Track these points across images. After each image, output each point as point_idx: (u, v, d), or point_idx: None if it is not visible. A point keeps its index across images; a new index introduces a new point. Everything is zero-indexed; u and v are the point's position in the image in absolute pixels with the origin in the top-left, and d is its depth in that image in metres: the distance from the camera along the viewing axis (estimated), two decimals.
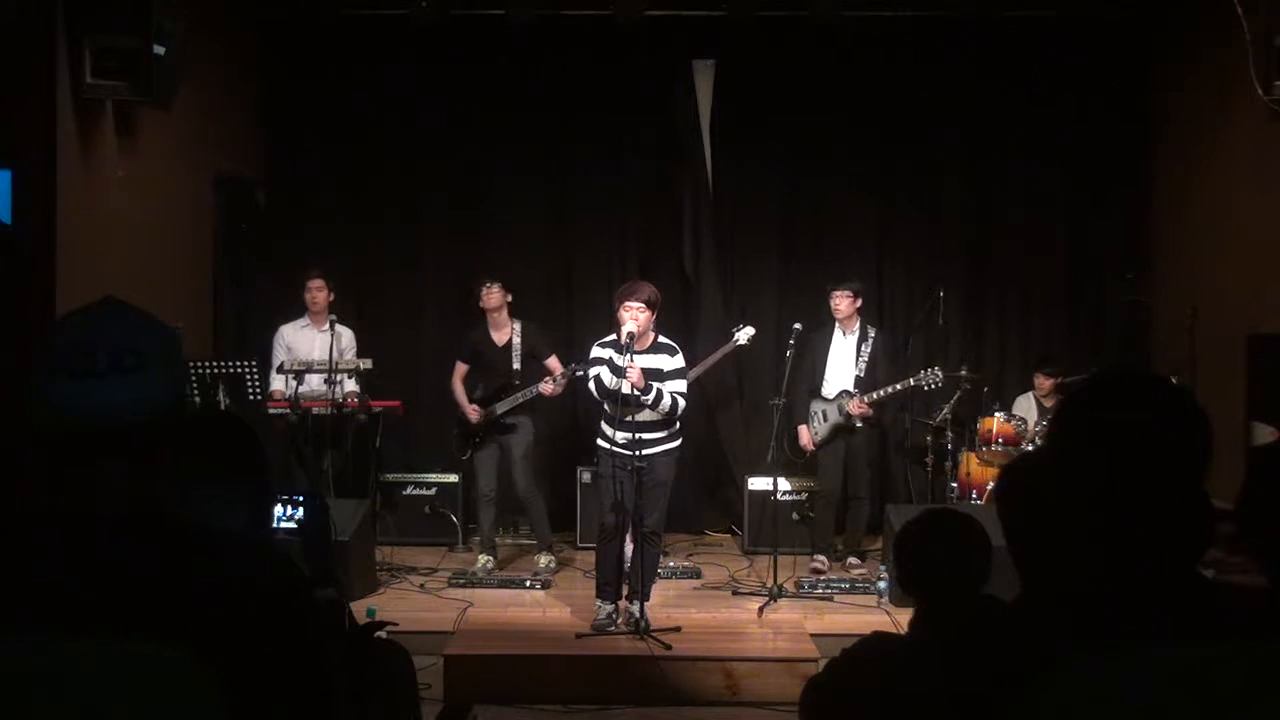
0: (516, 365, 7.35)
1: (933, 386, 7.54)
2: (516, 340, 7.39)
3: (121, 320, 1.56)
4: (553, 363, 7.25)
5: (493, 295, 7.35)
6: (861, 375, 7.43)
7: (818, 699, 2.75)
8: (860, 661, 2.61)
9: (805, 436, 7.53)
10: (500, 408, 7.34)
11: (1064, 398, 1.82)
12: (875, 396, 7.38)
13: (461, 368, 7.54)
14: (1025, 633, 1.68)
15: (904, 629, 2.91)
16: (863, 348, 7.48)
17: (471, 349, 7.51)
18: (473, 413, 7.39)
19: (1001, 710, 1.59)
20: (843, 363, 7.50)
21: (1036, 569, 2.21)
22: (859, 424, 7.43)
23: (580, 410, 8.32)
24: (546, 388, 7.13)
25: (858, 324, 7.53)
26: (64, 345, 1.50)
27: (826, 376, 7.51)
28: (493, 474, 7.42)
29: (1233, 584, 1.72)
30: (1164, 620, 1.61)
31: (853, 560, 7.52)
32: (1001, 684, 1.60)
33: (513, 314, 7.47)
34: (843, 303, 7.42)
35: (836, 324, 7.52)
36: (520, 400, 7.31)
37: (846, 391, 7.42)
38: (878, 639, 2.74)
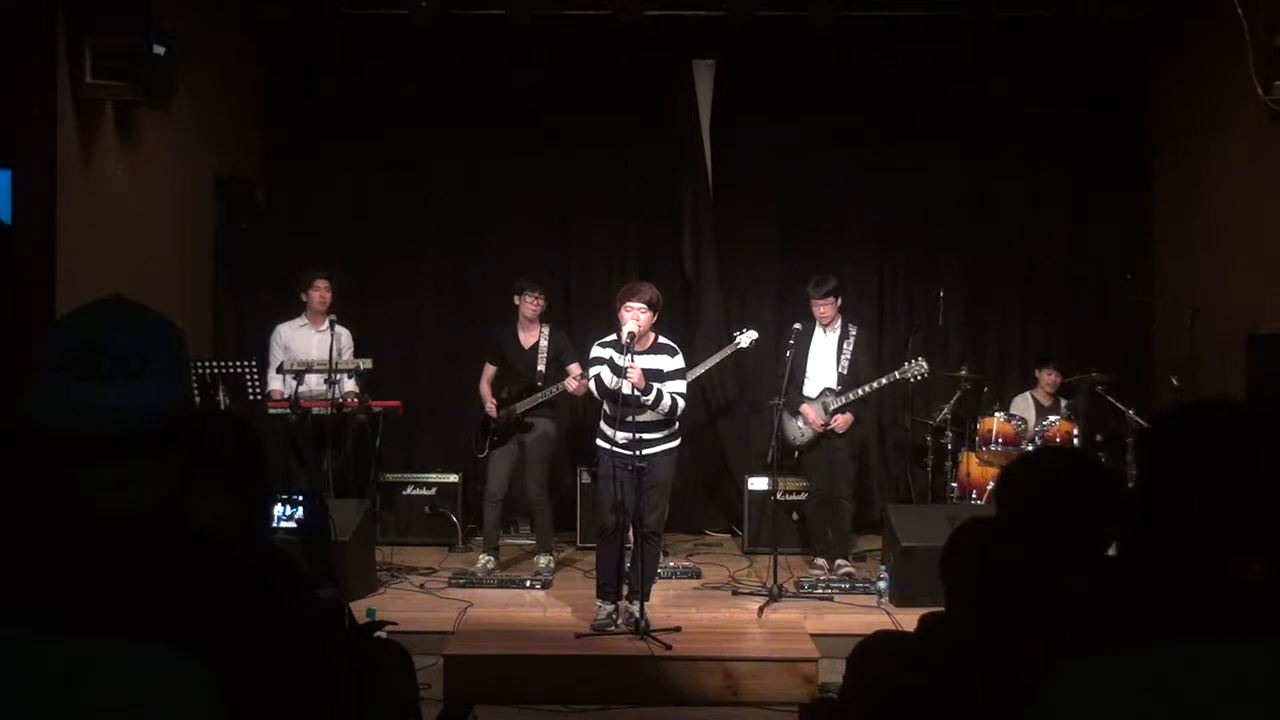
0: (541, 367, 7.37)
1: (917, 378, 7.49)
2: (544, 343, 7.40)
3: (128, 321, 1.54)
4: (574, 369, 7.24)
5: (532, 303, 7.34)
6: (844, 373, 7.36)
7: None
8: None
9: (813, 415, 7.35)
10: (520, 406, 7.36)
11: (1154, 423, 1.86)
12: (859, 393, 7.32)
13: (489, 369, 7.56)
14: (1029, 628, 1.69)
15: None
16: (844, 345, 7.40)
17: (498, 350, 7.53)
18: (491, 408, 7.41)
19: (1013, 705, 1.60)
20: (824, 360, 7.42)
21: (1036, 566, 2.22)
22: (839, 430, 7.37)
23: (580, 411, 8.32)
24: (573, 383, 7.13)
25: (839, 322, 7.44)
26: (68, 345, 1.49)
27: (808, 374, 7.44)
28: (505, 476, 7.43)
29: (1235, 583, 1.72)
30: (1166, 617, 1.62)
31: (840, 562, 7.40)
32: (1010, 676, 1.60)
33: (543, 319, 7.48)
34: (825, 310, 7.32)
35: (816, 321, 7.45)
36: (540, 399, 7.33)
37: (830, 389, 7.36)
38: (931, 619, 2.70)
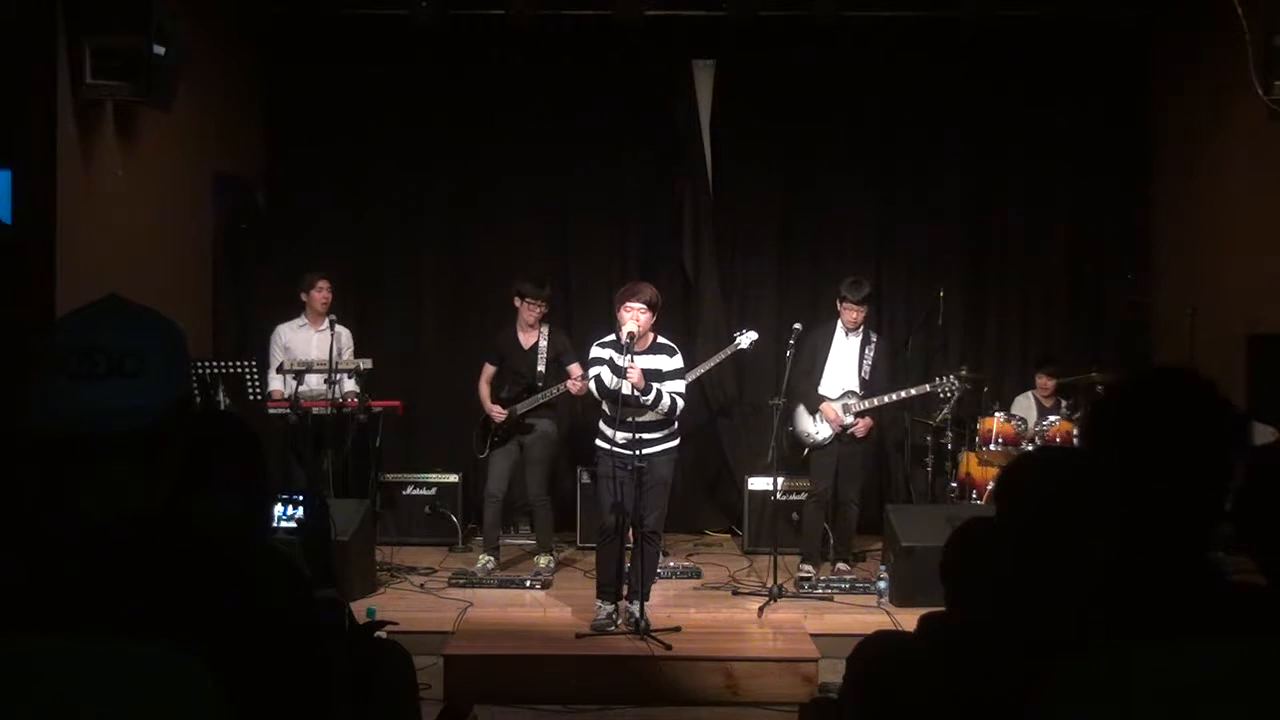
0: (541, 368, 7.35)
1: (948, 395, 7.49)
2: (543, 344, 7.38)
3: (124, 320, 1.54)
4: (574, 369, 7.24)
5: (531, 309, 7.31)
6: (866, 379, 7.32)
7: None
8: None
9: (833, 414, 7.26)
10: (521, 408, 7.35)
11: (1100, 396, 1.84)
12: (886, 400, 7.29)
13: (489, 369, 7.54)
14: (1029, 628, 1.69)
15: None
16: (866, 350, 7.34)
17: (498, 351, 7.52)
18: (497, 413, 7.40)
19: (1014, 705, 1.60)
20: (845, 363, 7.38)
21: (1040, 563, 2.22)
22: (859, 435, 7.35)
23: (580, 411, 8.33)
24: (575, 385, 7.12)
25: (862, 327, 7.40)
26: (65, 345, 1.49)
27: (826, 375, 7.39)
28: (505, 477, 7.42)
29: (1235, 583, 1.72)
30: (1167, 617, 1.62)
31: (841, 566, 7.40)
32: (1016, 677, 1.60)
33: (543, 319, 7.44)
34: (857, 316, 7.26)
35: (839, 324, 7.41)
36: (541, 400, 7.32)
37: (853, 392, 7.32)
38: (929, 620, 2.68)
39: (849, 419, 7.27)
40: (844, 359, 7.39)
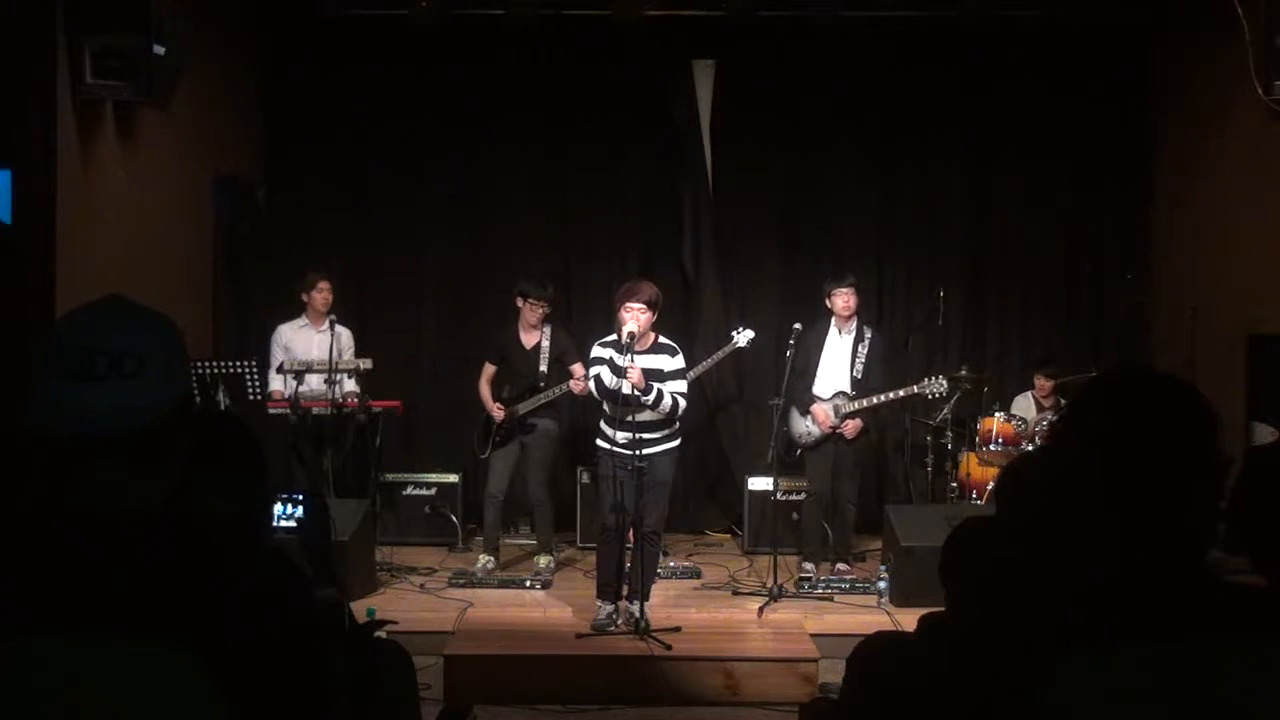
0: (543, 368, 7.35)
1: (936, 395, 7.50)
2: (546, 344, 7.37)
3: (124, 321, 1.54)
4: (577, 369, 7.23)
5: (534, 310, 7.31)
6: (858, 377, 7.29)
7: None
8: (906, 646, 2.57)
9: (823, 415, 7.26)
10: (522, 407, 7.35)
11: (1071, 398, 1.83)
12: (875, 401, 7.29)
13: (489, 369, 7.54)
14: (1029, 628, 1.69)
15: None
16: (859, 348, 7.33)
17: (499, 350, 7.52)
18: (498, 412, 7.40)
19: (1014, 705, 1.60)
20: (837, 362, 7.36)
21: (1037, 563, 2.22)
22: (848, 436, 7.31)
23: (580, 411, 8.33)
24: (578, 385, 7.11)
25: (854, 323, 7.37)
26: (65, 345, 1.49)
27: (819, 374, 7.37)
28: (506, 476, 7.42)
29: (1234, 583, 1.72)
30: (1166, 617, 1.62)
31: (841, 566, 7.39)
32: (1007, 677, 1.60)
33: (544, 319, 7.44)
34: (849, 300, 7.24)
35: (832, 322, 7.39)
36: (543, 400, 7.32)
37: (844, 393, 7.32)
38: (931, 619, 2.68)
39: (837, 420, 7.26)
40: (836, 358, 7.38)
